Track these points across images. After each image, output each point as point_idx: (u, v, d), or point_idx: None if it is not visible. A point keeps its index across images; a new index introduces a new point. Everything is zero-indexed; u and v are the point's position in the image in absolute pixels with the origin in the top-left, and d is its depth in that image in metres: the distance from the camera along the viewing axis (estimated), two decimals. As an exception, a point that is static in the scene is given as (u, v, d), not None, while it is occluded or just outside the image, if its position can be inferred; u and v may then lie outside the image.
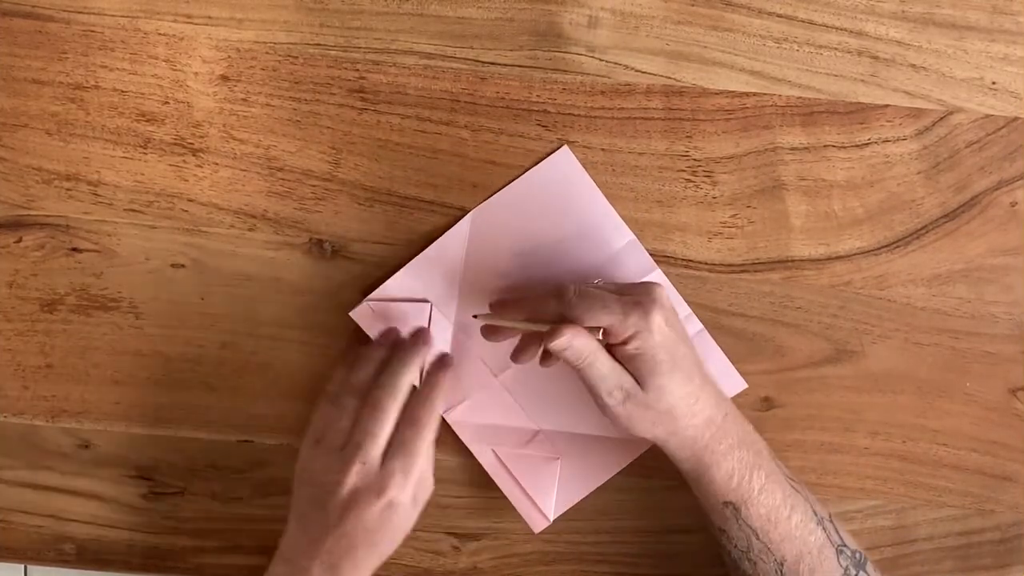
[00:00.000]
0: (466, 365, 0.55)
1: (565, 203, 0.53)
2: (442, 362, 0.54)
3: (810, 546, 0.49)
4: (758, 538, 0.49)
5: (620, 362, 0.48)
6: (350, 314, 0.54)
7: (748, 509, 0.49)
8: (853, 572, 0.49)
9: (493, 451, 0.56)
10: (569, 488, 0.56)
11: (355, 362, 0.52)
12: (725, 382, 0.55)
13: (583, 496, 0.56)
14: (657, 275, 0.54)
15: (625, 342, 0.47)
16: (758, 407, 0.56)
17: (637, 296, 0.47)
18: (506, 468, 0.56)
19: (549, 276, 0.54)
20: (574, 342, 0.46)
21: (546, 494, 0.56)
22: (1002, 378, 0.56)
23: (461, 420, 0.56)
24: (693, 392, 0.48)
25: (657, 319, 0.46)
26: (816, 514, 0.50)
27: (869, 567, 0.50)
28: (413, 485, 0.49)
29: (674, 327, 0.48)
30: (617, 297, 0.47)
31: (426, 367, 0.54)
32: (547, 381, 0.54)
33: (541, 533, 0.57)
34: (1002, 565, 0.57)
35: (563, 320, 0.47)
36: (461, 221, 0.54)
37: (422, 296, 0.54)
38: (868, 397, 0.56)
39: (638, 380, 0.47)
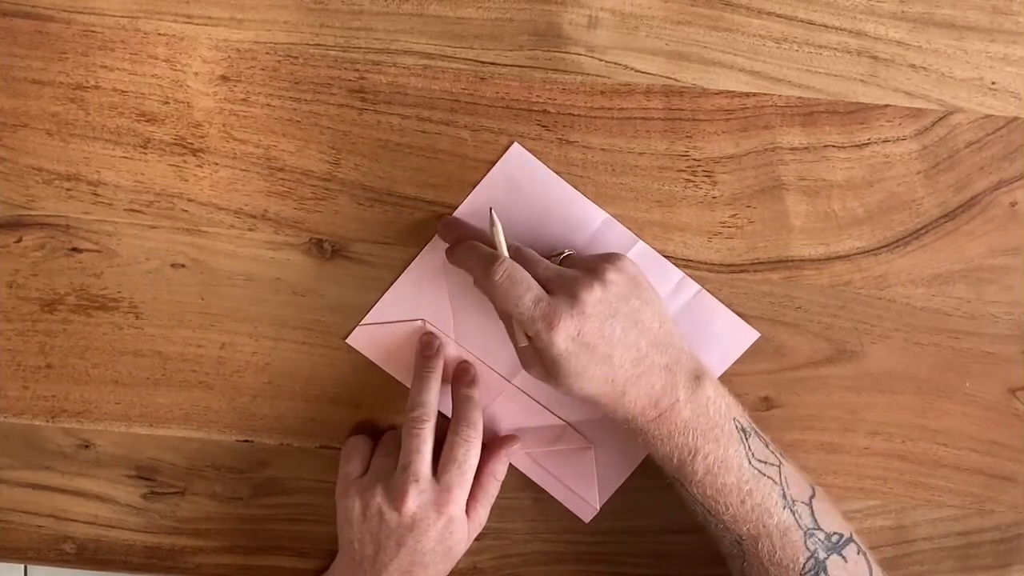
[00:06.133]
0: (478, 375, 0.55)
1: (530, 197, 0.54)
2: (466, 374, 0.55)
3: (769, 529, 0.48)
4: (710, 514, 0.49)
5: None
6: (347, 340, 0.55)
7: (693, 488, 0.49)
8: (822, 555, 0.48)
9: (526, 454, 0.56)
10: (609, 473, 0.56)
11: None
12: (734, 337, 0.55)
13: (625, 478, 0.56)
14: (640, 247, 0.54)
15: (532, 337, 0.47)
16: (758, 407, 0.56)
17: (556, 300, 0.46)
18: (543, 467, 0.56)
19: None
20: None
21: (588, 483, 0.56)
22: (1002, 378, 0.56)
23: (487, 430, 0.56)
24: (617, 387, 0.47)
25: (563, 330, 0.46)
26: (785, 497, 0.49)
27: (849, 549, 0.49)
28: (465, 500, 0.52)
29: (589, 335, 0.46)
30: (536, 295, 0.46)
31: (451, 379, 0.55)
32: None
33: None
34: (1002, 565, 0.57)
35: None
36: (433, 239, 0.54)
37: (414, 315, 0.54)
38: (868, 397, 0.56)
39: (547, 370, 0.48)
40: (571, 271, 0.48)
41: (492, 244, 0.49)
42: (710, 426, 0.48)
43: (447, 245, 0.53)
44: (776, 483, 0.49)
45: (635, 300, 0.48)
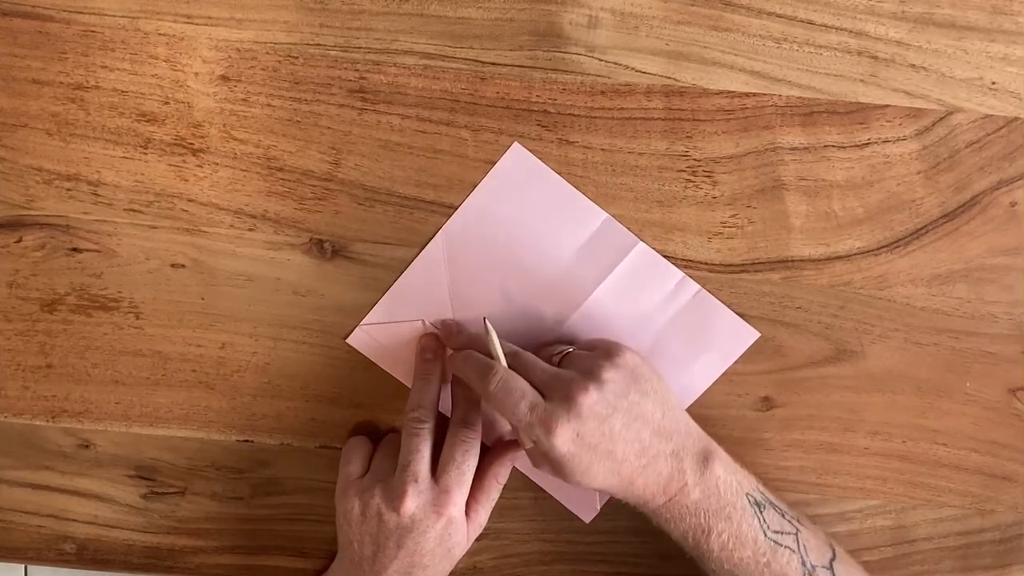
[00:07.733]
0: None
1: (531, 198, 0.54)
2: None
3: None
4: None
5: None
6: (347, 340, 0.55)
7: (711, 564, 0.50)
8: None
9: (527, 453, 0.56)
10: None
11: None
12: (734, 337, 0.55)
13: None
14: (640, 249, 0.54)
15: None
16: (758, 407, 0.56)
17: (552, 405, 0.47)
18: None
19: (535, 273, 0.54)
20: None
21: None
22: (1002, 378, 0.56)
23: (489, 431, 0.55)
24: (624, 479, 0.48)
25: (561, 434, 0.47)
26: (804, 564, 0.49)
27: None
28: (464, 502, 0.52)
29: (588, 435, 0.47)
30: (532, 402, 0.47)
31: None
32: None
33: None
34: (1002, 565, 0.57)
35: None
36: (434, 239, 0.54)
37: (414, 315, 0.55)
38: (868, 397, 0.56)
39: (554, 469, 0.48)
40: (567, 373, 0.49)
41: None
42: (721, 505, 0.49)
43: (447, 245, 0.53)
44: (794, 551, 0.49)
45: (634, 394, 0.48)
